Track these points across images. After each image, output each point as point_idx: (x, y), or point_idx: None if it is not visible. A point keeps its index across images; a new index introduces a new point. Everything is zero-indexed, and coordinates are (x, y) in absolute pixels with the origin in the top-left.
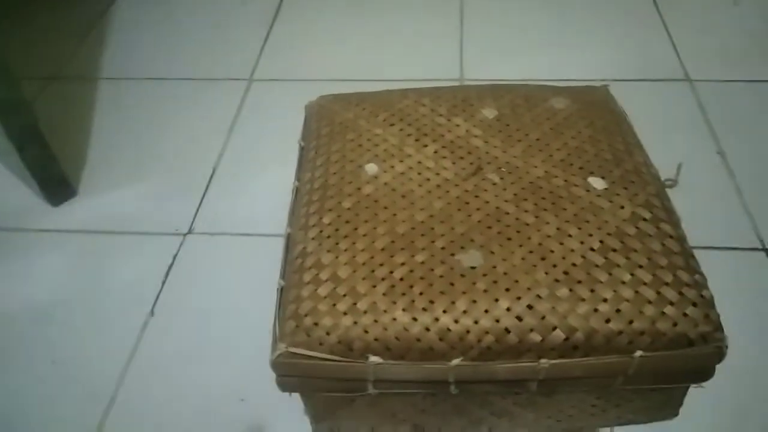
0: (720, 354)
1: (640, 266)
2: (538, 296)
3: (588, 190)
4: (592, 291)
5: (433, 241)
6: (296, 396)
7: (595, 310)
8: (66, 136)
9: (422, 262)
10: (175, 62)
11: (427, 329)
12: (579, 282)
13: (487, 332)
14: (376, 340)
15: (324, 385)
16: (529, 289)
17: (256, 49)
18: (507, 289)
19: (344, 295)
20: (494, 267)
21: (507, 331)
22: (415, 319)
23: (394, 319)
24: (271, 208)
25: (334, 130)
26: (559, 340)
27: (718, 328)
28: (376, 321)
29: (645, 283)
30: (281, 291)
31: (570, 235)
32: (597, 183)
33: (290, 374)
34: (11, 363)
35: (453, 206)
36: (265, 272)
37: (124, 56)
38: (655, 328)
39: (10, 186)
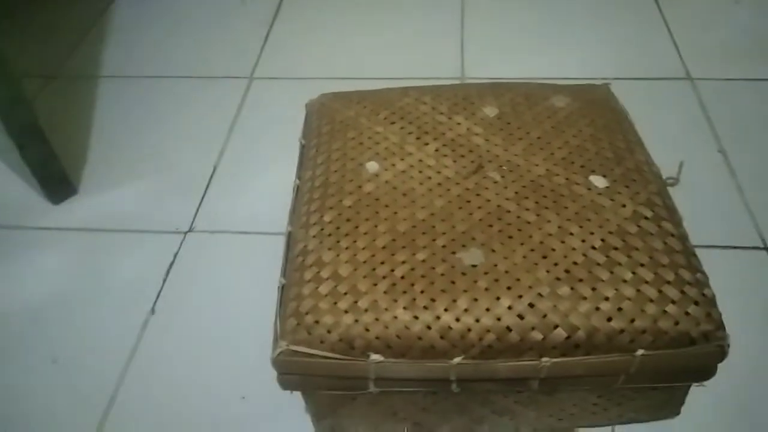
0: (722, 353)
1: (642, 265)
2: (540, 294)
3: (589, 189)
4: (593, 289)
5: (434, 240)
6: (297, 394)
7: (597, 308)
8: (66, 134)
9: (423, 261)
10: (176, 60)
11: (429, 327)
12: (580, 280)
13: (488, 330)
14: (377, 338)
15: (325, 383)
16: (530, 287)
17: (256, 47)
18: (508, 288)
19: (345, 293)
20: (495, 265)
21: (508, 329)
22: (416, 318)
23: (395, 317)
24: (272, 206)
25: (335, 128)
26: (560, 339)
27: (720, 326)
28: (377, 319)
29: (646, 282)
30: (282, 289)
31: (571, 234)
32: (598, 181)
33: (291, 372)
34: (11, 361)
35: (454, 204)
36: (265, 270)
37: (124, 54)
38: (657, 327)
39: (10, 184)
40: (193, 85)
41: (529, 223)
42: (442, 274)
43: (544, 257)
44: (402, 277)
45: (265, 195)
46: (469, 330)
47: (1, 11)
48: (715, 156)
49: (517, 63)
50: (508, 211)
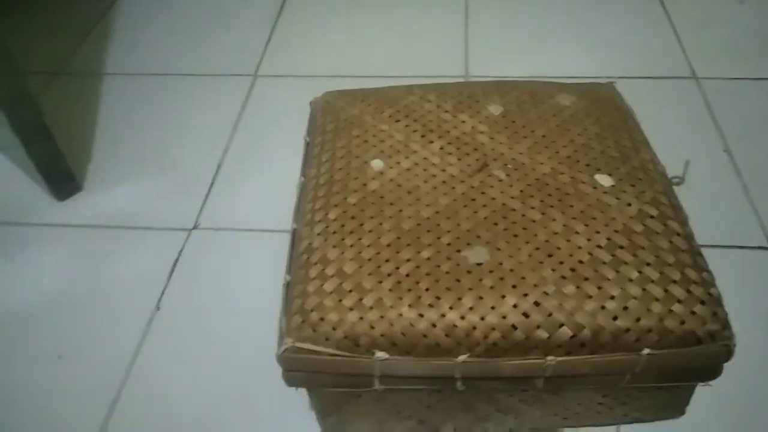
0: (728, 352)
1: (648, 264)
2: (545, 293)
3: (595, 187)
4: (599, 288)
5: (439, 238)
6: (302, 391)
7: (603, 307)
8: (71, 131)
9: (428, 259)
10: (180, 58)
11: (434, 325)
12: (586, 279)
13: (493, 329)
14: (382, 335)
15: (330, 381)
16: (535, 285)
17: (260, 45)
18: (513, 286)
19: (350, 291)
20: (500, 263)
21: (514, 327)
22: (421, 315)
23: (401, 315)
24: (276, 203)
25: (339, 125)
26: (565, 337)
27: (726, 326)
28: (382, 317)
29: (652, 281)
30: (287, 286)
31: (577, 232)
32: (604, 180)
33: (296, 369)
34: (17, 357)
35: (459, 202)
36: (270, 268)
37: (128, 52)
38: (663, 326)
39: (16, 180)
40: (198, 82)
41: (534, 221)
42: (447, 272)
43: (550, 255)
44: (407, 275)
45: (269, 192)
46: (475, 328)
47: (6, 8)
48: (720, 155)
49: (521, 61)
50: (513, 210)
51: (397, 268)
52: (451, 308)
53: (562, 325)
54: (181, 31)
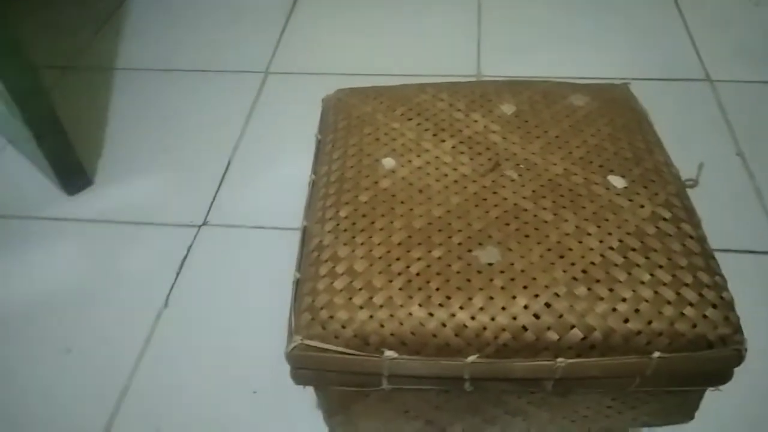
0: (739, 357)
1: (660, 266)
2: (556, 294)
3: (607, 189)
4: (610, 290)
5: (450, 237)
6: (308, 390)
7: (614, 309)
8: (82, 125)
9: (439, 258)
10: (192, 54)
11: (444, 325)
12: (597, 281)
13: (503, 329)
14: (391, 334)
15: (338, 379)
16: (546, 287)
17: (272, 42)
18: (524, 287)
19: (360, 289)
20: (512, 264)
21: (524, 328)
22: (431, 315)
23: (410, 314)
24: (287, 201)
25: (351, 123)
26: (576, 339)
27: (738, 330)
28: (392, 315)
29: (664, 284)
30: (297, 284)
31: (589, 234)
32: (616, 181)
33: (305, 367)
34: (26, 350)
35: (470, 202)
36: (279, 265)
37: (141, 47)
38: (674, 329)
39: (26, 174)
40: (209, 78)
41: (546, 222)
42: (458, 272)
43: (561, 257)
44: (417, 274)
45: (279, 190)
46: (485, 328)
47: (20, 3)
48: (733, 158)
49: (534, 61)
50: (525, 210)
51: (408, 267)
52: (461, 308)
53: (572, 326)
54: (193, 27)
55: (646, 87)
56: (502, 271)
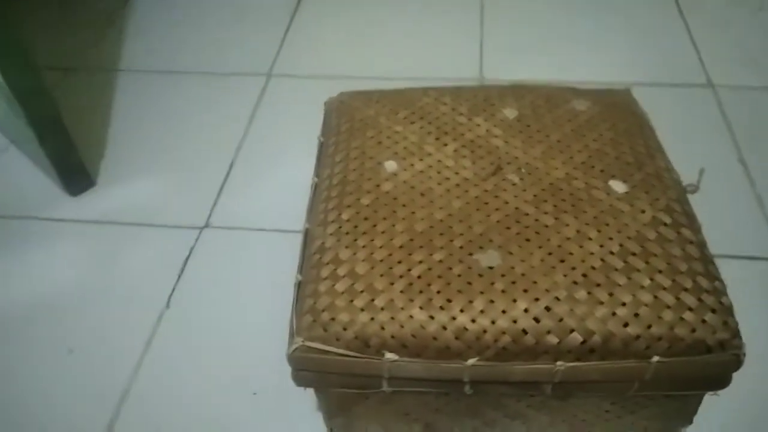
0: (737, 362)
1: (660, 271)
2: (556, 298)
3: (608, 193)
4: (610, 294)
5: (451, 240)
6: (309, 392)
7: (614, 313)
8: (85, 126)
9: (440, 261)
10: (195, 56)
11: (444, 328)
12: (598, 285)
13: (503, 333)
14: (392, 337)
15: (339, 381)
16: (547, 290)
17: (275, 44)
18: (525, 290)
19: (362, 292)
20: (512, 268)
21: (524, 332)
22: (432, 317)
23: (411, 317)
24: (289, 203)
25: (354, 126)
26: (576, 343)
27: (737, 335)
28: (393, 318)
29: (664, 288)
30: (299, 286)
31: (589, 238)
32: (618, 186)
33: (306, 368)
34: (28, 350)
35: (472, 206)
36: (281, 268)
37: (144, 49)
38: (673, 334)
39: (29, 175)
40: (212, 80)
41: (547, 226)
42: (459, 275)
43: (562, 261)
44: (419, 277)
45: (281, 192)
46: (485, 331)
47: (24, 2)
48: (735, 165)
49: (536, 66)
50: (527, 214)
51: (409, 269)
52: (462, 311)
53: (572, 330)
54: (196, 29)
55: (647, 92)
56: (502, 275)
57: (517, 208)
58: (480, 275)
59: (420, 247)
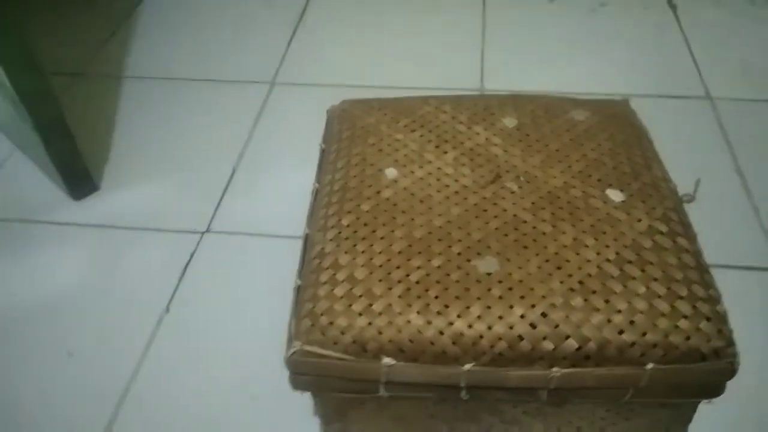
0: (731, 370)
1: (655, 279)
2: (553, 305)
3: (605, 202)
4: (606, 302)
5: (449, 247)
6: (306, 397)
7: (609, 320)
8: (90, 132)
9: (438, 267)
10: (200, 63)
11: (441, 333)
12: (594, 292)
13: (500, 338)
14: (390, 341)
15: (336, 385)
16: (543, 297)
17: (279, 53)
18: (522, 297)
19: (360, 296)
20: (510, 274)
21: (520, 338)
22: (429, 323)
23: (409, 322)
24: (289, 210)
25: (355, 133)
26: (571, 349)
27: (731, 343)
28: (390, 323)
29: (659, 296)
30: (298, 290)
31: (586, 246)
32: (615, 195)
33: (304, 372)
34: (28, 352)
35: (471, 213)
36: (280, 273)
37: (149, 56)
38: (668, 341)
39: (33, 179)
40: (216, 88)
41: (544, 233)
42: (457, 281)
43: (559, 268)
44: (417, 282)
45: (282, 198)
46: (481, 337)
47: (32, 9)
48: (732, 176)
49: (536, 77)
50: (525, 222)
51: (408, 275)
52: (459, 316)
53: (568, 336)
54: (201, 37)
55: (646, 103)
56: (500, 281)
57: (515, 216)
58: (477, 281)
59: (419, 253)
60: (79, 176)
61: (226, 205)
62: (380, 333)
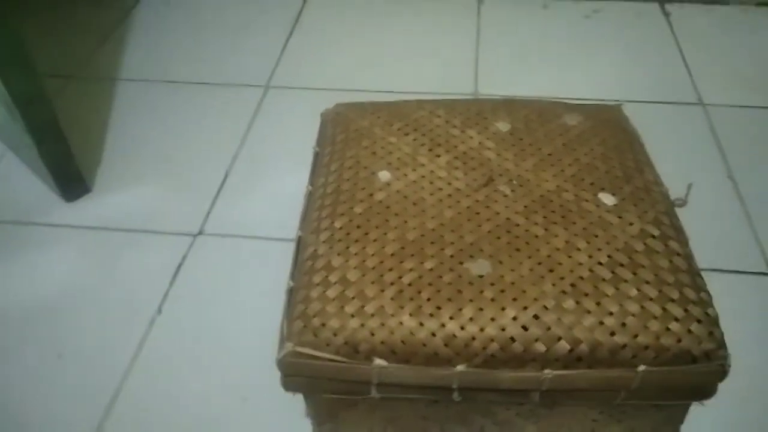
0: (722, 372)
1: (647, 282)
2: (545, 307)
3: (598, 206)
4: (598, 304)
5: (442, 249)
6: (298, 399)
7: (601, 323)
8: (83, 133)
9: (431, 269)
10: (194, 66)
11: (433, 334)
12: (586, 295)
13: (492, 340)
14: (382, 343)
15: (328, 386)
16: (535, 299)
17: (274, 57)
18: (514, 299)
19: (353, 298)
20: (502, 276)
21: (512, 339)
22: (421, 324)
23: (401, 323)
24: (282, 212)
25: (349, 137)
26: (563, 351)
27: (722, 345)
28: (383, 324)
29: (651, 299)
30: (290, 292)
31: (578, 249)
32: (607, 199)
33: (296, 374)
34: (17, 354)
35: (463, 216)
36: (272, 275)
37: (144, 58)
38: (660, 344)
39: (26, 180)
40: (210, 91)
41: (537, 236)
42: (449, 283)
43: (551, 271)
44: (409, 284)
45: (275, 201)
46: (474, 339)
47: (26, 10)
48: (724, 181)
49: (530, 82)
50: (517, 225)
51: (400, 277)
52: (451, 318)
53: (560, 338)
54: (196, 40)
55: (638, 109)
56: (492, 283)
57: (507, 219)
58: (470, 283)
59: (411, 256)
60: (71, 178)
61: (219, 207)
62: (372, 334)
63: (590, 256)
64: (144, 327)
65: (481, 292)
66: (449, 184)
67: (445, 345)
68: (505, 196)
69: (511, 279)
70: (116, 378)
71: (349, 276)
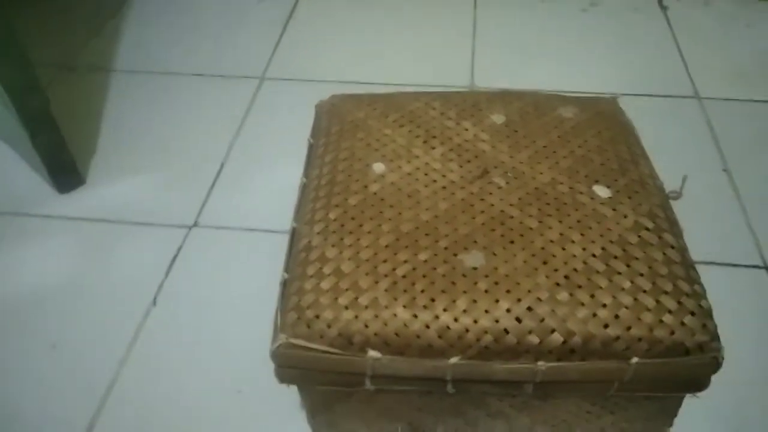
0: (715, 364)
1: (641, 274)
2: (539, 299)
3: (592, 198)
4: (591, 296)
5: (436, 241)
6: (293, 390)
7: (594, 315)
8: (77, 124)
9: (425, 261)
10: (189, 58)
11: (427, 326)
12: (579, 287)
13: (486, 332)
14: (375, 334)
15: (322, 378)
16: (529, 291)
17: (269, 49)
18: (508, 291)
19: (346, 290)
20: (496, 268)
21: (506, 331)
22: (415, 316)
23: (395, 315)
24: (277, 204)
25: (344, 128)
26: (557, 343)
27: (715, 338)
28: (376, 316)
29: (644, 291)
30: (284, 283)
31: (572, 241)
32: (602, 191)
33: (289, 365)
34: (11, 345)
35: (458, 208)
36: (267, 267)
37: (138, 49)
38: (653, 336)
39: (19, 172)
40: (205, 82)
41: (531, 229)
42: (443, 275)
43: (545, 263)
44: (403, 276)
45: (270, 193)
46: (467, 331)
47: (21, 0)
48: (719, 174)
49: (527, 75)
50: (511, 217)
51: (394, 269)
52: (445, 310)
53: (553, 330)
54: (192, 32)
55: (635, 102)
56: (486, 275)
57: (502, 211)
58: (464, 275)
59: (405, 247)
60: (65, 169)
61: (214, 199)
62: (366, 326)
63: (584, 249)
64: (139, 318)
65: (475, 284)
66: (444, 176)
67: (439, 337)
68: (500, 188)
69: (505, 271)
70: (111, 369)
71: (343, 267)
